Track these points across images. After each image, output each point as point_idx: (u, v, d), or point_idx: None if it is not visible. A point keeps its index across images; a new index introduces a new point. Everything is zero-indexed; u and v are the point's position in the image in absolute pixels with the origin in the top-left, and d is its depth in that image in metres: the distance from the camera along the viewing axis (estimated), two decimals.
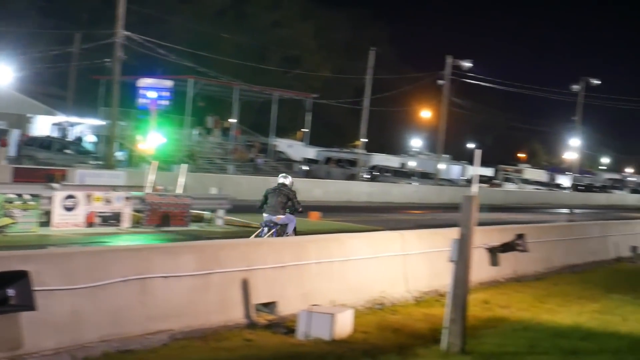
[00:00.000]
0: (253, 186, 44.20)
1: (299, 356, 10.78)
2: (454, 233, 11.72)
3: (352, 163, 68.89)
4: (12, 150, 52.65)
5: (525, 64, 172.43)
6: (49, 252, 12.16)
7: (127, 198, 24.48)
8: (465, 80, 69.37)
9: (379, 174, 71.56)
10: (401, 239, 16.01)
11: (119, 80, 43.56)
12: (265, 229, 18.91)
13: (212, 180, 36.18)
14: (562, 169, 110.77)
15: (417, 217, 30.30)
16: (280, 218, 18.82)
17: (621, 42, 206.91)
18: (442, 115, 66.44)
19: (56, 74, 68.74)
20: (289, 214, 19.05)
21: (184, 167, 29.23)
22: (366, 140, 67.67)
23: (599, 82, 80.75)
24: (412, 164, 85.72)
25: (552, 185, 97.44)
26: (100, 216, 23.70)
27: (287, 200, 18.95)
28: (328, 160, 72.88)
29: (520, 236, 16.11)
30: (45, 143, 53.37)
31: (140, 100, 44.41)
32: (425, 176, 73.15)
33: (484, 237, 16.07)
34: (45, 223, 22.24)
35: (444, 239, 13.83)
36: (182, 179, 27.82)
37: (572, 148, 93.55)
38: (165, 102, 43.77)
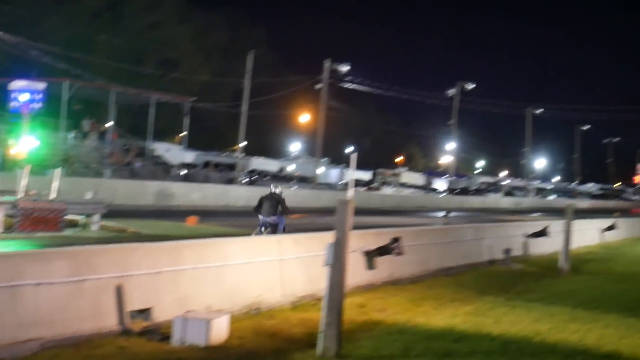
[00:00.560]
0: (129, 190, 43.71)
1: None
2: (330, 237, 11.78)
3: (231, 167, 68.68)
4: None
5: (403, 69, 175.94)
6: None
7: None
8: (343, 85, 70.07)
9: (258, 177, 71.54)
10: (278, 244, 16.02)
11: None
12: (262, 228, 23.31)
13: (87, 185, 35.47)
14: (438, 173, 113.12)
15: (294, 221, 30.34)
16: (273, 219, 23.29)
17: (496, 47, 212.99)
18: (320, 119, 66.76)
19: None
20: (280, 216, 23.43)
21: (57, 171, 28.59)
22: (245, 143, 67.59)
23: (474, 86, 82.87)
24: (291, 167, 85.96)
25: (428, 188, 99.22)
26: None
27: (278, 205, 23.35)
28: (206, 164, 72.39)
29: (396, 240, 16.39)
30: None
31: (12, 104, 43.25)
32: (303, 180, 73.44)
33: (360, 241, 16.26)
34: None
35: (320, 243, 13.87)
36: (56, 183, 27.24)
37: (448, 152, 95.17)
38: (38, 105, 42.66)
